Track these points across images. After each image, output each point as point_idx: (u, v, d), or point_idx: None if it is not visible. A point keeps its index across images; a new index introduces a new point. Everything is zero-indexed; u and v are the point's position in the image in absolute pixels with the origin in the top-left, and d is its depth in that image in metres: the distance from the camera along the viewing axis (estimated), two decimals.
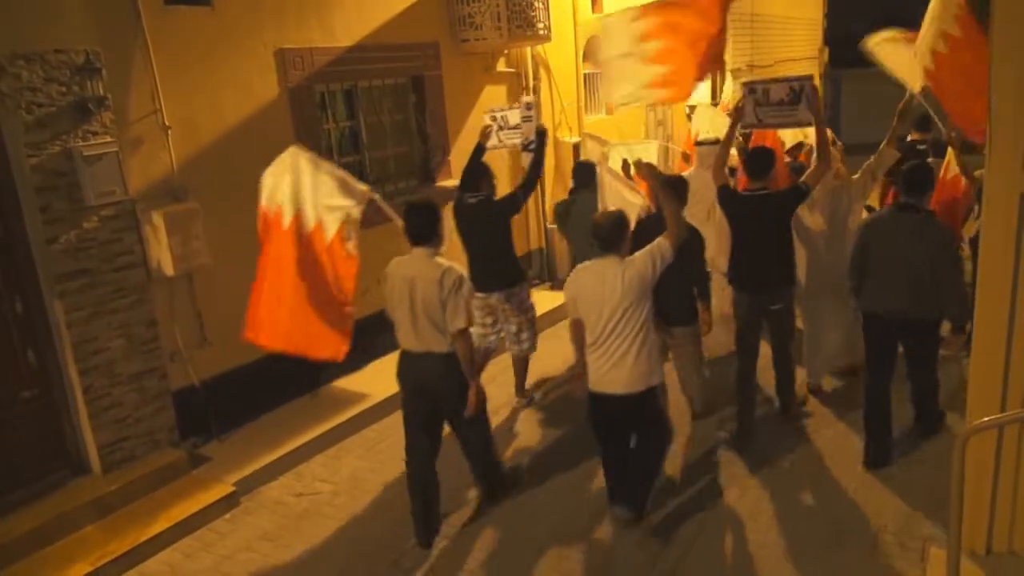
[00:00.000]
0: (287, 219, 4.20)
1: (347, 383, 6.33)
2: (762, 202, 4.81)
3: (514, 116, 5.88)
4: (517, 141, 5.89)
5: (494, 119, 5.94)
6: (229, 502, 4.86)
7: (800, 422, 5.31)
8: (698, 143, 6.48)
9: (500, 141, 5.98)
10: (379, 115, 6.81)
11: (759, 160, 4.90)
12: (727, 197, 4.93)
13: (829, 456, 4.93)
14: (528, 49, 8.12)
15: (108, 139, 4.67)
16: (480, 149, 5.75)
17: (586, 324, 4.03)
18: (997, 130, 3.25)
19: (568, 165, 8.85)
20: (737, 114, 5.10)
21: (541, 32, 7.51)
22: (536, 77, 8.33)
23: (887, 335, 4.54)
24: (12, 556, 4.24)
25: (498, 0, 7.04)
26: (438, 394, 4.15)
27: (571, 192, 6.29)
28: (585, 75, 9.34)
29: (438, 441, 4.31)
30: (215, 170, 5.37)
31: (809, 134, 6.38)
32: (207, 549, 4.50)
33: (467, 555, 4.23)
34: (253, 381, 5.69)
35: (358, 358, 6.55)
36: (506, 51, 7.93)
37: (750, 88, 5.05)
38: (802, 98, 4.83)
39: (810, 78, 4.91)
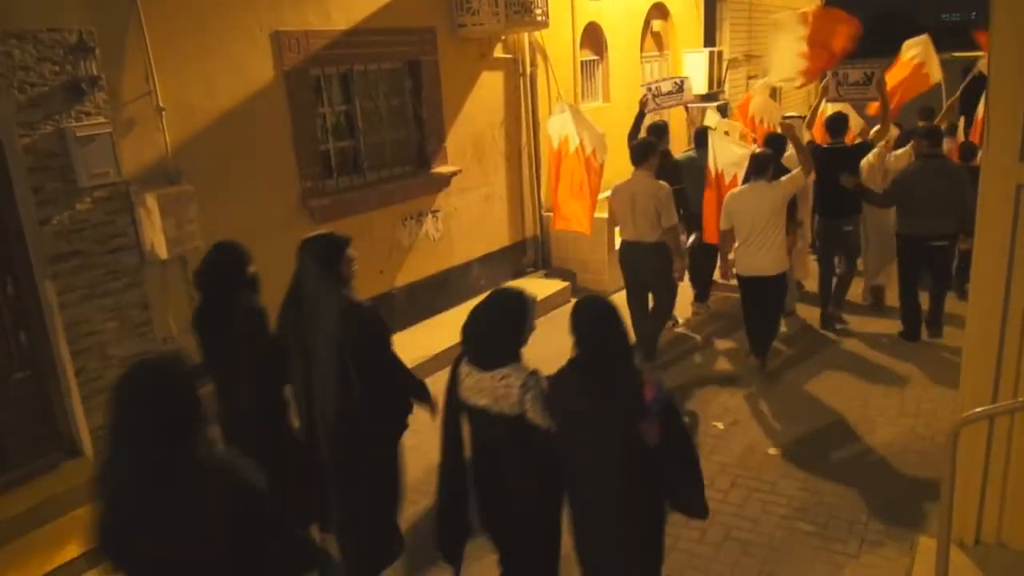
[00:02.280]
0: (573, 145, 6.84)
1: None
2: (839, 152, 6.62)
3: (666, 85, 7.71)
4: (673, 104, 7.75)
5: (649, 89, 7.62)
6: None
7: (839, 326, 6.90)
8: (785, 117, 7.96)
9: (658, 105, 7.70)
10: (375, 100, 6.78)
11: (836, 123, 6.77)
12: (816, 151, 6.50)
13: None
14: (526, 35, 8.09)
15: (101, 120, 4.64)
16: (641, 115, 7.49)
17: (738, 230, 5.77)
18: (993, 122, 3.27)
19: None
20: (824, 91, 7.18)
21: (539, 18, 7.48)
22: (533, 64, 8.30)
23: (918, 250, 6.29)
24: (3, 538, 4.25)
25: None
26: (644, 269, 6.05)
27: (690, 150, 7.67)
28: (582, 62, 9.31)
29: (647, 302, 6.25)
30: (209, 153, 5.35)
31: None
32: None
33: None
34: None
35: None
36: (503, 37, 7.89)
37: (834, 72, 7.08)
38: (873, 80, 6.92)
39: (880, 65, 6.98)
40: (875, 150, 6.83)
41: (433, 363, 6.46)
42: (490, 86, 7.87)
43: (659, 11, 11.09)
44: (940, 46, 9.01)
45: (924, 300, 6.53)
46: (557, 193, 7.17)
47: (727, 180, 6.52)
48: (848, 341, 6.74)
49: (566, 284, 8.18)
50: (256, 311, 3.59)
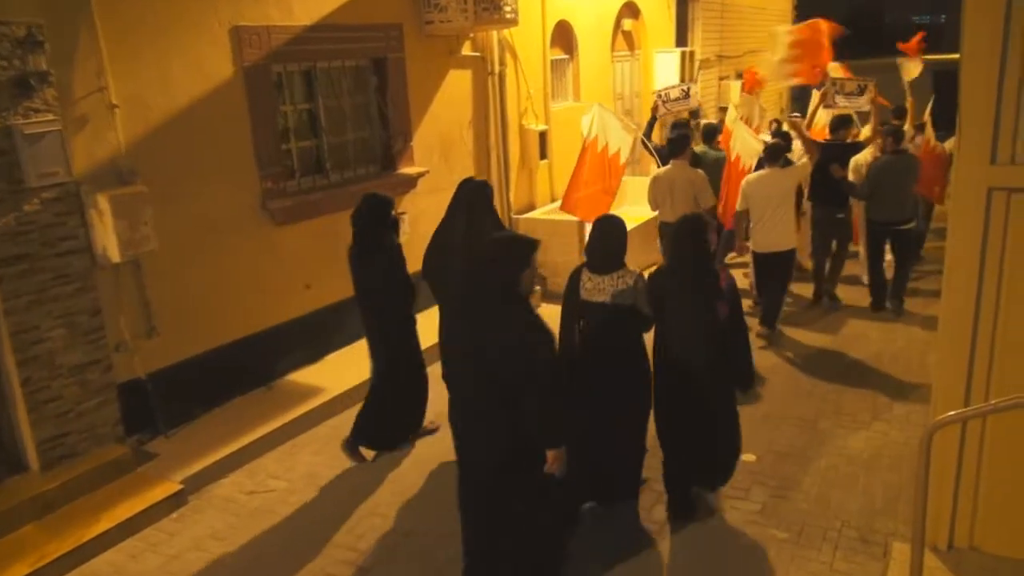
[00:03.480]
0: (600, 144, 7.34)
1: (303, 376, 6.28)
2: (836, 148, 7.49)
3: (674, 92, 8.58)
4: (681, 108, 8.68)
5: (659, 96, 8.58)
6: (176, 500, 4.79)
7: (836, 303, 7.82)
8: (791, 115, 9.41)
9: (668, 111, 8.60)
10: (338, 98, 6.74)
11: (837, 123, 7.73)
12: (820, 145, 7.38)
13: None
14: (495, 33, 8.11)
15: (51, 117, 4.55)
16: (653, 120, 8.55)
17: (752, 211, 6.57)
18: (964, 125, 3.35)
19: (534, 152, 8.88)
20: (822, 98, 8.06)
21: (508, 16, 7.50)
22: (502, 62, 8.32)
23: (885, 233, 7.41)
24: None
25: None
26: None
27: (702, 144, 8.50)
28: (552, 61, 9.35)
29: None
30: (166, 152, 5.27)
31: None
32: (153, 549, 4.43)
33: None
34: (203, 373, 5.61)
35: (314, 350, 6.52)
36: (472, 35, 7.90)
37: (832, 81, 8.13)
38: (865, 91, 7.95)
39: (873, 79, 7.97)
40: (867, 149, 7.74)
41: None
42: (458, 85, 7.87)
43: (630, 10, 11.19)
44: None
45: None
46: (578, 178, 7.52)
47: (742, 166, 7.76)
48: (821, 338, 6.98)
49: (535, 291, 8.16)
50: (393, 248, 5.01)
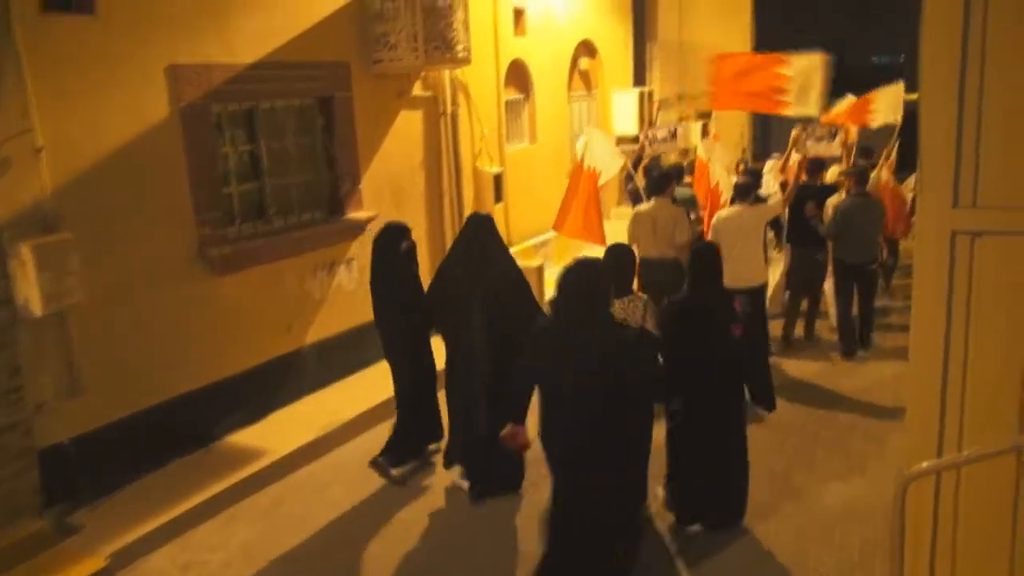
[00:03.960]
0: (586, 166, 7.77)
1: (243, 437, 6.18)
2: (811, 190, 8.04)
3: (661, 132, 9.10)
4: (667, 148, 9.24)
5: (647, 136, 9.04)
6: None
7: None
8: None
9: (654, 151, 9.13)
10: (282, 139, 6.78)
11: (813, 166, 8.40)
12: (800, 187, 7.88)
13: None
14: (447, 72, 8.27)
15: None
16: (639, 159, 8.94)
17: (722, 246, 5.97)
18: (925, 167, 3.51)
19: (489, 196, 9.00)
20: (794, 142, 8.41)
21: (461, 55, 7.66)
22: (455, 102, 8.47)
23: (851, 273, 7.88)
24: None
25: (415, 19, 7.15)
26: (665, 283, 6.85)
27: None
28: (507, 101, 9.55)
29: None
30: (95, 197, 5.23)
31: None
32: None
33: None
34: (135, 436, 5.50)
35: (256, 408, 6.43)
36: (423, 74, 8.04)
37: (803, 127, 8.55)
38: (836, 135, 8.52)
39: (843, 126, 8.61)
40: (840, 192, 8.21)
41: (348, 430, 6.40)
42: (409, 125, 7.98)
43: (587, 49, 11.51)
44: (870, 87, 9.75)
45: None
46: (571, 202, 8.11)
47: (722, 200, 8.15)
48: (789, 383, 7.17)
49: None
50: (409, 272, 5.71)
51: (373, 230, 7.39)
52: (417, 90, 8.06)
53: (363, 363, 7.38)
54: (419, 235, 8.14)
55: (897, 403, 6.53)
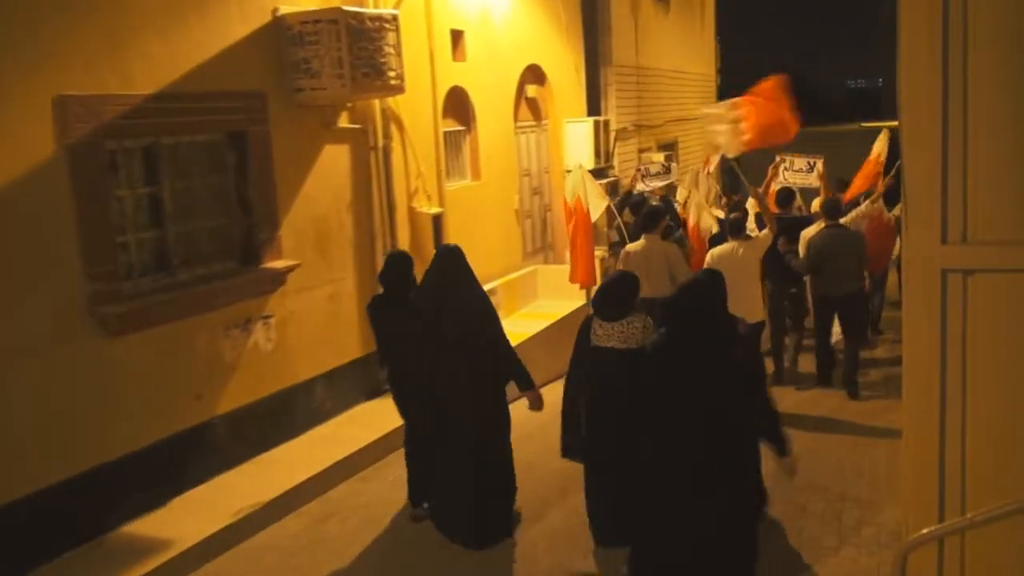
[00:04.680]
0: (584, 204, 9.45)
1: (143, 526, 6.00)
2: (790, 221, 8.96)
3: (800, 162, 10.17)
4: (659, 184, 10.63)
5: (639, 171, 10.76)
6: None
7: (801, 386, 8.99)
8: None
9: (646, 185, 10.60)
10: (189, 180, 6.72)
11: (782, 196, 9.53)
12: (778, 219, 8.63)
13: None
14: (377, 102, 8.33)
15: None
16: (629, 193, 10.70)
17: None
18: (910, 201, 3.63)
19: (427, 239, 9.02)
20: (773, 172, 9.96)
21: (392, 82, 7.72)
22: (387, 135, 8.52)
23: (830, 308, 8.70)
24: None
25: (339, 43, 7.19)
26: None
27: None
28: (446, 133, 9.64)
29: None
30: None
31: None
32: None
33: None
34: (10, 529, 5.30)
35: (158, 491, 6.26)
36: (350, 104, 8.09)
37: (782, 159, 10.05)
38: (814, 168, 9.90)
39: (821, 156, 9.90)
40: (816, 223, 8.92)
41: (267, 514, 6.26)
42: (335, 162, 8.00)
43: (534, 75, 11.73)
44: (846, 114, 10.53)
45: None
46: (576, 247, 9.69)
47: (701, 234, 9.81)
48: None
49: None
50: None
51: (294, 281, 7.38)
52: (344, 122, 8.09)
53: (285, 435, 7.28)
54: (347, 286, 8.17)
55: (892, 467, 6.62)
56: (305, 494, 6.50)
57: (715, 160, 11.81)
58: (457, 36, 9.81)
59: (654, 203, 10.44)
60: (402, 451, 6.37)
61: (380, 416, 7.74)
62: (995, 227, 3.49)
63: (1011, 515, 3.30)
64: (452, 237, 9.34)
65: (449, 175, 9.78)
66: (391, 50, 7.63)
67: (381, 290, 6.39)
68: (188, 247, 6.73)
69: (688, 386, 4.47)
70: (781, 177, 9.86)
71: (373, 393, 8.40)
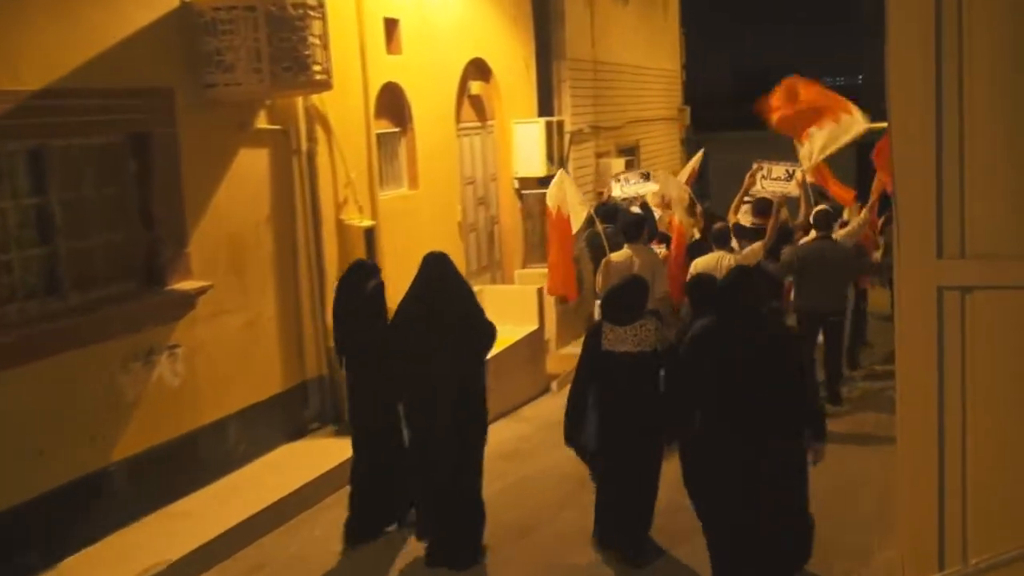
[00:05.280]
0: (557, 209, 9.74)
1: None
2: (762, 233, 9.28)
3: (778, 170, 10.19)
4: (778, 189, 10.18)
5: (760, 167, 10.31)
6: None
7: None
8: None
9: (763, 188, 10.27)
10: (81, 189, 6.61)
11: (760, 206, 9.85)
12: (741, 231, 9.46)
13: None
14: (300, 100, 8.29)
15: None
16: (606, 203, 11.31)
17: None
18: (903, 214, 3.67)
19: (359, 255, 8.95)
20: (750, 181, 10.16)
21: (318, 77, 7.69)
22: (312, 137, 8.47)
23: (815, 324, 9.22)
24: None
25: (257, 32, 7.14)
26: None
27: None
28: (379, 135, 9.61)
29: None
30: None
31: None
32: None
33: None
34: None
35: (46, 550, 6.12)
36: (269, 102, 8.04)
37: (759, 166, 10.23)
38: (793, 176, 10.00)
39: (799, 164, 9.71)
40: (807, 234, 9.45)
41: (174, 575, 6.14)
42: (252, 168, 7.93)
43: (478, 70, 11.75)
44: None
45: None
46: (556, 258, 10.07)
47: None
48: None
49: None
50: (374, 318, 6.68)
51: (205, 305, 7.27)
52: (262, 123, 8.03)
53: (194, 484, 7.18)
54: (266, 310, 8.08)
55: (887, 489, 6.68)
56: (219, 551, 6.38)
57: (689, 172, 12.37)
58: (392, 26, 9.81)
59: (635, 210, 11.12)
60: (329, 500, 6.33)
61: (305, 459, 7.69)
62: (996, 239, 3.54)
63: (1017, 561, 3.33)
64: (387, 253, 9.31)
65: (383, 183, 9.75)
66: (316, 41, 7.62)
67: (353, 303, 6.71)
68: (81, 267, 6.62)
69: (742, 366, 5.18)
70: (759, 186, 10.34)
71: (296, 433, 8.31)
